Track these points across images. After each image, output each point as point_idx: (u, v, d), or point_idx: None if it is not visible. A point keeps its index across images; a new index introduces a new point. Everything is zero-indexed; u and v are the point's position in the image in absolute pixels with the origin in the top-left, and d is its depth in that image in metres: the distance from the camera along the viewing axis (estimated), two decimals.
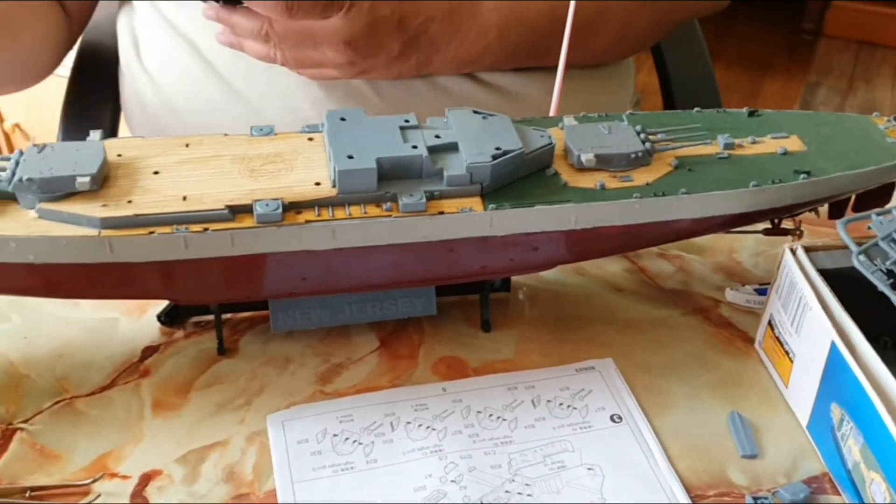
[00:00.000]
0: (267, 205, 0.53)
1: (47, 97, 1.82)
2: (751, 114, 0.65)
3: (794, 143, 0.62)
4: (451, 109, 0.59)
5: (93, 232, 0.52)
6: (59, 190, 0.53)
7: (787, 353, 0.59)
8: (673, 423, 0.58)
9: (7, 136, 1.95)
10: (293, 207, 0.54)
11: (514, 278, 0.67)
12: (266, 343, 0.62)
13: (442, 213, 0.55)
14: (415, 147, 0.56)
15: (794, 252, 0.59)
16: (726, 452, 0.56)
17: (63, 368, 0.60)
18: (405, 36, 0.72)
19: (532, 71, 0.81)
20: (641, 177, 0.58)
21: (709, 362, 0.63)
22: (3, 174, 0.54)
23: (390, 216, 0.54)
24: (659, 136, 0.61)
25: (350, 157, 0.54)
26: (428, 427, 0.57)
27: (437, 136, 0.57)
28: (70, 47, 0.92)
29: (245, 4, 0.67)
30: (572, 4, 0.58)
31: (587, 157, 0.57)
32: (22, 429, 0.56)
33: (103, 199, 0.53)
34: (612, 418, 0.58)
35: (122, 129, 0.98)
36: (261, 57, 0.72)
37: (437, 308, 0.63)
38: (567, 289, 0.68)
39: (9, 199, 0.53)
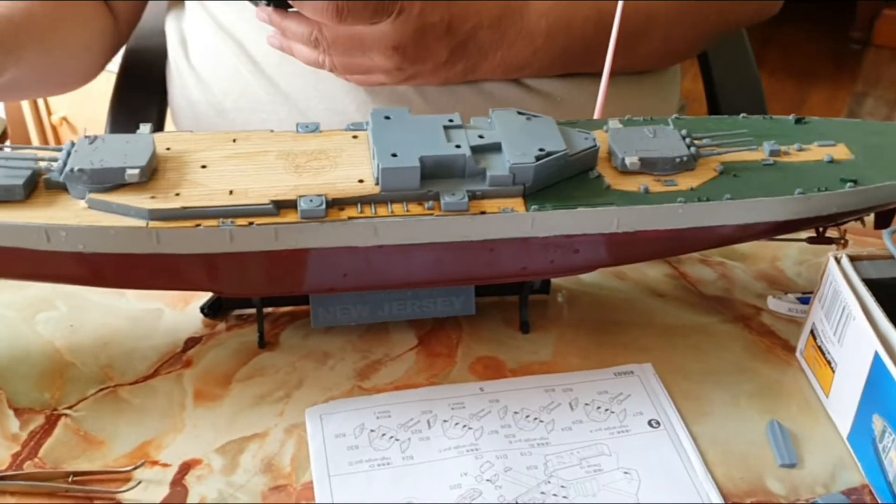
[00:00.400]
0: (311, 200, 0.54)
1: (94, 92, 1.85)
2: (797, 121, 0.65)
3: (840, 152, 0.61)
4: (494, 110, 0.59)
5: (141, 223, 0.53)
6: (109, 181, 0.54)
7: (828, 362, 0.58)
8: (711, 430, 0.57)
9: (54, 129, 1.98)
10: (336, 204, 0.55)
11: (553, 280, 0.67)
12: (306, 338, 0.63)
13: (484, 212, 0.55)
14: (458, 146, 0.56)
15: (838, 261, 0.58)
16: (764, 461, 0.56)
17: (107, 357, 0.61)
18: (453, 42, 0.72)
19: (578, 77, 0.81)
20: (686, 181, 0.58)
21: (748, 370, 0.62)
22: (55, 164, 0.55)
23: (432, 215, 0.55)
24: (704, 141, 0.61)
25: (394, 155, 0.55)
26: (464, 426, 0.57)
27: (481, 136, 0.57)
28: (117, 50, 0.93)
29: (295, 8, 0.68)
30: (619, 6, 0.58)
31: (631, 160, 0.57)
32: (66, 415, 0.57)
33: (152, 191, 0.54)
34: (649, 423, 0.58)
35: (168, 125, 1.00)
36: (309, 62, 0.73)
37: (475, 308, 0.63)
38: (607, 292, 0.68)
39: (60, 189, 0.55)
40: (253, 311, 0.63)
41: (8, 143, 0.59)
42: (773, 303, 0.67)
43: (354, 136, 0.60)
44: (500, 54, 0.75)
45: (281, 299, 0.64)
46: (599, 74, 0.62)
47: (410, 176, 0.55)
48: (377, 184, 0.55)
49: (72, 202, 0.54)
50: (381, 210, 0.55)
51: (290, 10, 0.69)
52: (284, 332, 0.64)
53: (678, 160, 0.58)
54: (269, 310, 0.64)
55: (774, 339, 0.65)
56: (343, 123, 0.61)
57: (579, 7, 0.76)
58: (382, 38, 0.68)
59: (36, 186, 0.55)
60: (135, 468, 0.54)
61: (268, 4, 0.70)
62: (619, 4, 0.58)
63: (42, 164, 0.55)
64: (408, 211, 0.55)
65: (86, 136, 0.56)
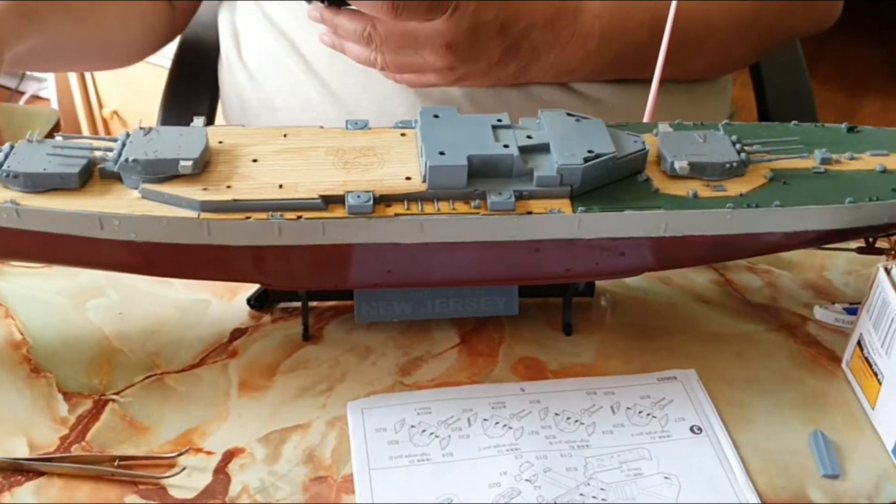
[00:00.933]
0: (359, 196, 0.54)
1: (145, 85, 1.88)
2: (849, 129, 0.64)
3: (893, 162, 0.61)
4: (544, 111, 0.59)
5: (192, 214, 0.54)
6: (163, 172, 0.54)
7: (875, 374, 0.58)
8: (753, 438, 0.57)
9: (105, 123, 2.01)
10: (383, 200, 0.55)
11: (598, 283, 0.67)
12: (349, 332, 0.64)
13: (530, 212, 0.55)
14: (506, 146, 0.56)
15: (888, 271, 0.57)
16: (807, 471, 0.55)
17: (155, 345, 0.62)
18: (507, 41, 0.72)
19: (629, 84, 0.81)
20: (735, 187, 0.57)
21: (793, 379, 0.62)
22: (110, 154, 0.56)
23: (478, 213, 0.55)
24: (755, 147, 0.60)
25: (441, 153, 0.55)
26: (505, 425, 0.57)
27: (529, 137, 0.57)
28: (171, 38, 0.95)
29: (351, 5, 0.68)
30: (673, 7, 0.58)
31: (681, 165, 0.57)
32: (114, 400, 0.58)
33: (204, 183, 0.55)
34: (691, 429, 0.57)
35: (219, 120, 1.01)
36: (361, 60, 0.73)
37: (519, 308, 0.63)
38: (651, 297, 0.68)
39: (114, 179, 0.56)
40: (298, 304, 0.64)
41: (60, 134, 0.60)
42: (819, 312, 0.66)
43: (403, 134, 0.60)
44: (553, 56, 0.75)
45: (326, 293, 0.65)
46: (651, 81, 0.61)
47: (458, 174, 0.55)
48: (424, 181, 0.55)
49: (125, 192, 0.55)
50: (428, 207, 0.55)
51: (342, 7, 0.70)
52: (328, 325, 0.64)
53: (728, 166, 0.58)
54: (314, 304, 0.65)
55: (820, 349, 0.64)
56: (392, 125, 0.61)
57: (634, 12, 0.76)
58: (436, 35, 0.68)
59: (91, 175, 0.56)
60: (179, 455, 0.54)
61: (321, 1, 0.70)
62: (673, 5, 0.58)
63: (97, 153, 0.56)
64: (454, 209, 0.55)
65: (141, 128, 0.57)
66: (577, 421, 0.57)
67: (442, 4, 0.67)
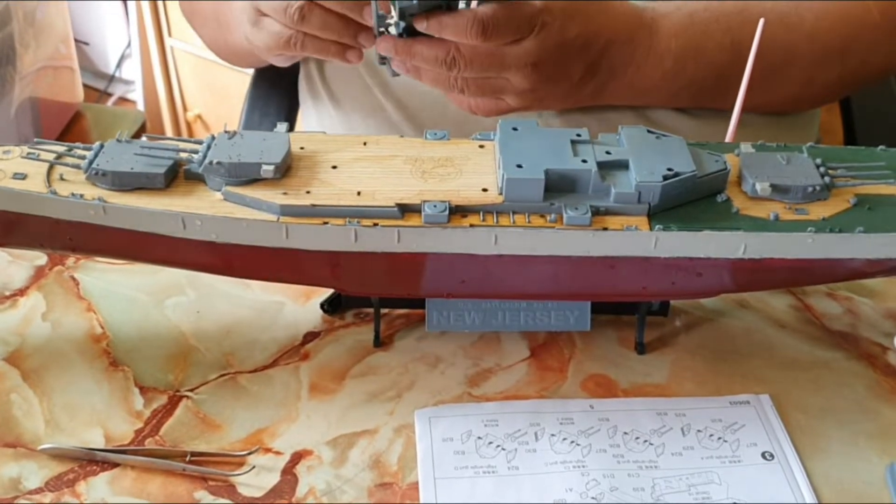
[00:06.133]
0: (435, 206, 0.55)
1: (228, 91, 1.91)
2: None
3: None
4: (624, 127, 0.59)
5: (272, 217, 0.55)
6: (245, 175, 0.56)
7: None
8: (826, 468, 0.56)
9: (189, 126, 2.06)
10: (459, 211, 0.55)
11: (673, 302, 0.66)
12: (419, 340, 0.64)
13: (606, 228, 0.55)
14: (584, 161, 0.56)
15: None
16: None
17: (230, 344, 0.63)
18: (588, 59, 0.71)
19: (707, 114, 0.79)
20: (817, 211, 0.56)
21: (870, 410, 0.60)
22: (195, 156, 0.57)
23: (554, 227, 0.55)
24: (839, 171, 0.59)
25: (519, 166, 0.55)
26: (572, 442, 0.57)
27: (608, 153, 0.57)
28: None
29: (438, 33, 0.66)
30: (760, 24, 0.57)
31: (762, 186, 0.56)
32: (188, 396, 0.59)
33: (284, 187, 0.56)
34: (763, 455, 0.56)
35: (300, 125, 1.03)
36: (440, 85, 0.71)
37: (591, 324, 0.63)
38: (727, 319, 0.67)
39: (198, 180, 0.57)
40: (370, 310, 0.65)
41: (146, 135, 0.61)
42: None
43: (481, 146, 0.60)
44: (630, 73, 0.74)
45: (398, 301, 0.65)
46: (730, 112, 0.60)
47: (534, 188, 0.55)
48: (501, 193, 0.56)
49: (208, 193, 0.56)
50: (503, 220, 0.55)
51: (417, 36, 0.68)
52: (399, 333, 0.65)
53: (811, 189, 0.57)
54: (386, 311, 0.66)
55: None
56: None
57: (712, 33, 0.74)
58: (523, 55, 0.67)
59: (176, 176, 0.57)
60: (249, 453, 0.55)
61: (399, 36, 0.69)
62: (760, 23, 0.57)
63: (183, 155, 0.58)
64: (529, 222, 0.55)
65: (226, 131, 0.58)
66: (646, 441, 0.57)
67: (530, 21, 0.66)
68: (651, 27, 0.73)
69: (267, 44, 0.72)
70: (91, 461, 0.55)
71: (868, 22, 0.77)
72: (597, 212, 0.55)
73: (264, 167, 0.55)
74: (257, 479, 0.54)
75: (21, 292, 0.67)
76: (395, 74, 0.72)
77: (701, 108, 0.80)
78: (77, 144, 0.59)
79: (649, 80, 0.75)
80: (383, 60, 0.71)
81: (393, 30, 0.67)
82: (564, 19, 0.68)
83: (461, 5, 0.64)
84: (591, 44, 0.70)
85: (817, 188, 0.57)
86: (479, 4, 0.64)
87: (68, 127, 1.65)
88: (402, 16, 0.65)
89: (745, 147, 0.60)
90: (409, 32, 0.67)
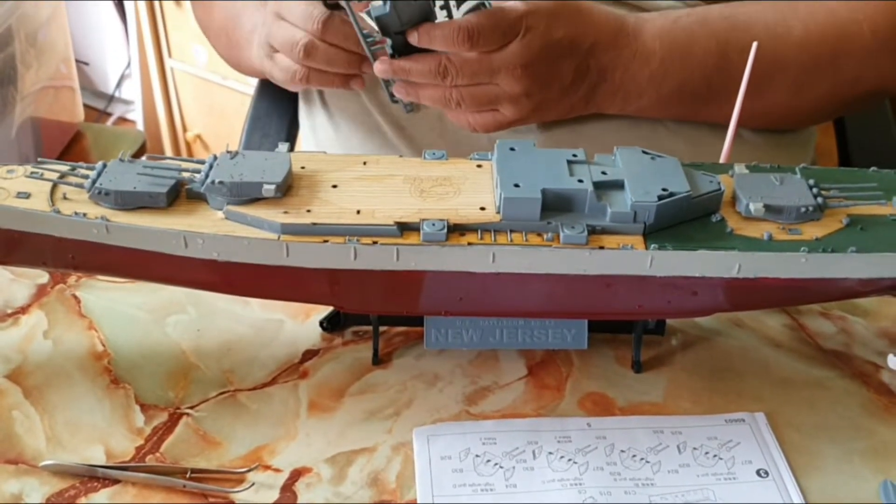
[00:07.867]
0: (433, 224, 0.55)
1: (227, 112, 1.92)
2: None
3: None
4: (619, 147, 0.60)
5: (273, 236, 0.55)
6: (247, 195, 0.56)
7: None
8: (820, 485, 0.56)
9: (188, 146, 2.07)
10: (457, 229, 0.56)
11: (669, 322, 0.67)
12: (418, 358, 0.65)
13: (602, 248, 0.55)
14: (581, 181, 0.57)
15: None
16: None
17: (230, 362, 0.64)
18: (576, 59, 0.72)
19: (703, 133, 0.80)
20: (811, 231, 0.57)
21: (864, 428, 0.60)
22: (198, 176, 0.58)
23: (551, 246, 0.55)
24: (832, 192, 0.60)
25: (516, 185, 0.56)
26: (570, 460, 0.57)
27: (604, 173, 0.58)
28: None
29: (428, 44, 0.68)
30: (754, 48, 0.58)
31: (756, 206, 0.57)
32: (188, 414, 0.60)
33: (285, 206, 0.56)
34: (758, 472, 0.57)
35: (299, 145, 1.04)
36: (437, 101, 0.73)
37: (588, 342, 0.63)
38: (723, 338, 0.67)
39: (200, 199, 0.58)
40: (369, 328, 0.65)
41: (146, 155, 0.62)
42: (893, 361, 0.65)
43: (479, 166, 0.61)
44: (618, 75, 0.74)
45: (397, 319, 0.66)
46: (724, 129, 0.61)
47: (531, 207, 0.56)
48: (498, 212, 0.56)
49: (210, 212, 0.57)
50: (501, 238, 0.56)
51: (410, 54, 0.70)
52: (397, 351, 0.65)
53: (804, 209, 0.57)
54: (384, 329, 0.66)
55: (893, 398, 0.63)
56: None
57: (697, 37, 0.75)
58: (511, 57, 0.69)
59: (178, 195, 0.58)
60: (248, 470, 0.56)
61: (392, 56, 0.70)
62: (754, 47, 0.58)
63: (185, 174, 0.58)
64: (527, 241, 0.56)
65: (227, 151, 0.59)
66: (642, 459, 0.57)
67: (514, 26, 0.68)
68: (634, 29, 0.75)
69: (281, 79, 0.78)
70: (92, 478, 0.55)
71: (858, 35, 0.77)
72: (593, 231, 0.56)
73: (266, 186, 0.56)
74: (257, 495, 0.55)
75: (23, 310, 0.67)
76: (410, 111, 0.75)
77: (693, 122, 0.80)
78: (80, 164, 0.60)
79: (638, 82, 0.75)
80: (394, 98, 0.75)
81: (387, 48, 0.69)
82: (549, 21, 0.70)
83: (441, 14, 0.66)
84: (577, 45, 0.72)
85: (810, 209, 0.57)
86: (458, 10, 0.66)
87: (69, 146, 1.67)
88: (384, 31, 0.67)
89: (739, 168, 0.61)
90: (401, 52, 0.69)
